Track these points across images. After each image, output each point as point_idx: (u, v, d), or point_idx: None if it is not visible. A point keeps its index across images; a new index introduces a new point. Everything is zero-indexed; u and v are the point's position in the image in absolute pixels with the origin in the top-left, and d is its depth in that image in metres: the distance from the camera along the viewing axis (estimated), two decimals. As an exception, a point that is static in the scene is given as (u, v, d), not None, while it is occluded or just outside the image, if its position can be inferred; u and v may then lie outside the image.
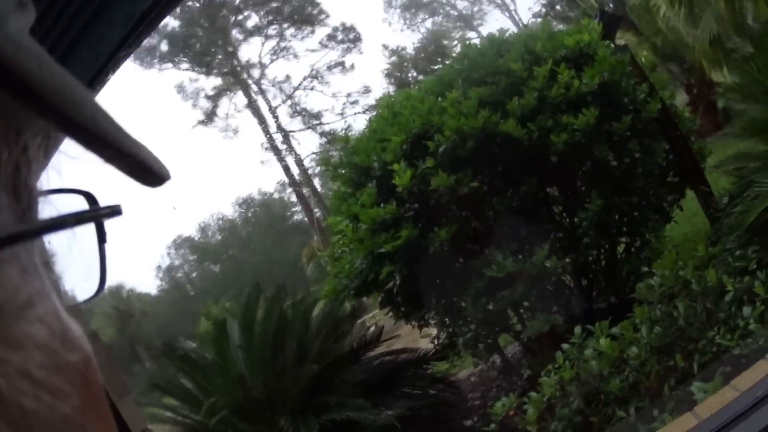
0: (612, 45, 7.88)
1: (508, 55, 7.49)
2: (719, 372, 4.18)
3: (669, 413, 4.34)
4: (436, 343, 8.36)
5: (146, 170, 0.47)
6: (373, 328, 8.75)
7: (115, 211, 0.59)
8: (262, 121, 28.64)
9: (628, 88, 7.44)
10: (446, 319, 7.87)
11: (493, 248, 6.96)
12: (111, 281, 28.56)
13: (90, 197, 0.60)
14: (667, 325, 5.11)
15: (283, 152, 28.45)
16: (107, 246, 0.62)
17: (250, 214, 34.31)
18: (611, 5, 15.81)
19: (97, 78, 2.05)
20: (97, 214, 0.60)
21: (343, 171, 8.01)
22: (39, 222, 0.45)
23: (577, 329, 5.51)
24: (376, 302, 8.87)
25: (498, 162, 7.18)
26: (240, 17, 30.59)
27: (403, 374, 8.18)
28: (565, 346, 5.48)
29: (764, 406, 2.40)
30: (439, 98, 7.52)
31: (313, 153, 29.07)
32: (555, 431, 5.06)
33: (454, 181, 6.78)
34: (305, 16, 31.92)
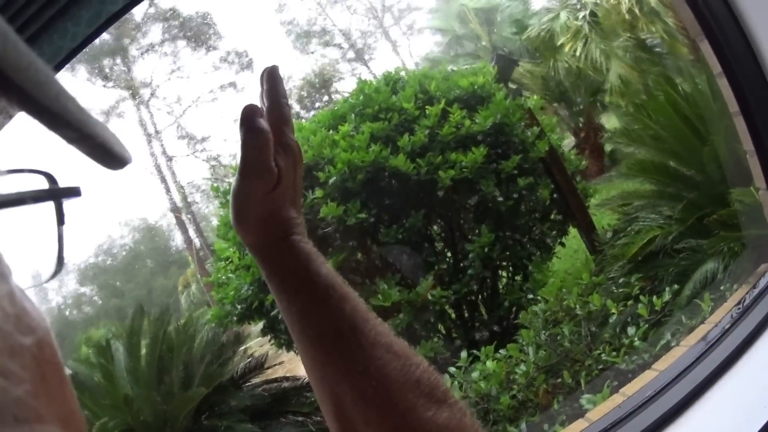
0: (505, 87, 8.18)
1: (402, 94, 7.65)
2: (607, 384, 4.41)
3: (560, 425, 4.53)
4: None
5: (108, 152, 0.49)
6: (255, 355, 8.75)
7: (73, 191, 0.63)
8: (149, 142, 28.13)
9: (519, 129, 7.67)
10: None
11: (379, 278, 7.09)
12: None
13: (50, 177, 0.62)
14: (552, 347, 5.37)
15: (167, 177, 28.01)
16: (65, 227, 0.63)
17: (131, 239, 33.53)
18: (505, 49, 16.21)
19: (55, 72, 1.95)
20: (55, 194, 0.62)
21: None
22: None
23: (464, 354, 5.66)
24: (256, 330, 8.83)
25: (386, 195, 7.30)
26: (139, 33, 29.90)
27: (288, 401, 8.24)
28: (452, 369, 5.60)
29: (652, 405, 2.49)
30: (331, 131, 7.65)
31: (198, 179, 28.81)
32: None
33: (342, 211, 6.87)
34: (202, 37, 31.55)
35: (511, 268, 8.13)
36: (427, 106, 7.52)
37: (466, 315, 7.92)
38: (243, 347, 8.88)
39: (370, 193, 7.19)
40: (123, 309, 27.89)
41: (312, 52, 33.82)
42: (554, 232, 8.26)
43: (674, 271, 5.91)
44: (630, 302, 5.50)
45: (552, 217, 8.27)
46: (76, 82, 28.17)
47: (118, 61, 28.83)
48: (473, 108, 7.62)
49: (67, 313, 32.76)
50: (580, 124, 17.78)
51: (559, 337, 5.43)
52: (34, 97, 0.38)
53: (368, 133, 7.29)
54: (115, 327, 9.49)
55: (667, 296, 5.26)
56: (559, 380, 5.11)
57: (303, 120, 9.69)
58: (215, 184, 9.41)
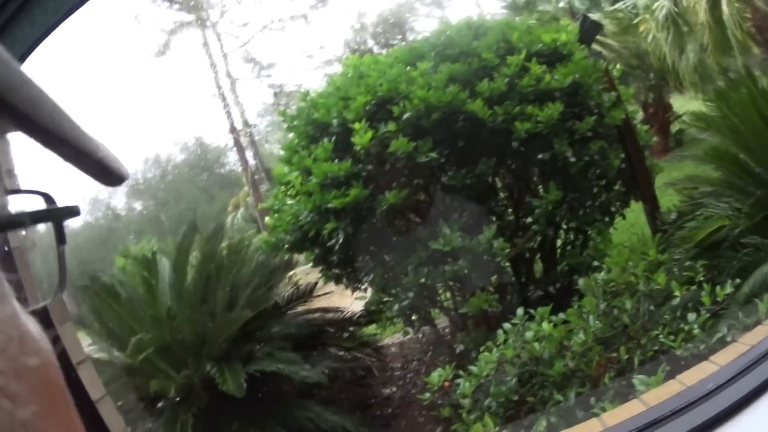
0: (587, 49, 7.96)
1: (484, 40, 7.43)
2: (661, 368, 4.22)
3: (609, 401, 4.38)
4: (367, 306, 8.24)
5: (104, 169, 0.49)
6: (302, 284, 8.62)
7: (72, 211, 0.61)
8: (212, 65, 27.98)
9: (596, 92, 7.55)
10: (383, 284, 7.69)
11: (442, 221, 6.89)
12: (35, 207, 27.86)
13: (48, 198, 0.61)
14: (611, 320, 5.19)
15: (229, 100, 27.93)
16: (64, 247, 0.62)
17: (185, 157, 33.69)
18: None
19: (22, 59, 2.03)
20: (54, 214, 0.60)
21: (299, 123, 7.82)
22: None
23: (520, 311, 5.47)
24: (303, 260, 8.71)
25: (459, 138, 7.09)
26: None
27: (330, 333, 8.16)
28: (506, 325, 5.43)
29: (713, 398, 2.46)
30: (408, 68, 7.44)
31: (261, 104, 28.82)
32: (489, 407, 5.02)
33: (413, 147, 6.72)
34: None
35: (572, 231, 8.03)
36: (507, 56, 7.31)
37: (523, 272, 7.77)
38: (291, 273, 8.71)
39: (442, 134, 7.01)
40: (170, 225, 28.14)
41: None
42: (618, 203, 8.08)
43: (737, 265, 5.71)
44: (693, 288, 5.26)
45: (616, 187, 8.07)
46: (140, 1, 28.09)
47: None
48: (553, 64, 7.44)
49: (113, 225, 33.18)
50: (650, 100, 17.54)
51: (616, 311, 5.26)
52: (29, 116, 0.38)
53: (447, 73, 7.09)
54: (160, 242, 9.39)
55: (729, 288, 5.02)
56: (614, 355, 4.98)
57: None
58: (282, 108, 9.26)
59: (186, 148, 33.72)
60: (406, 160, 6.82)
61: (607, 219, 7.93)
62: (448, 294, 7.71)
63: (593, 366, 4.90)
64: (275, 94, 28.75)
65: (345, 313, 8.42)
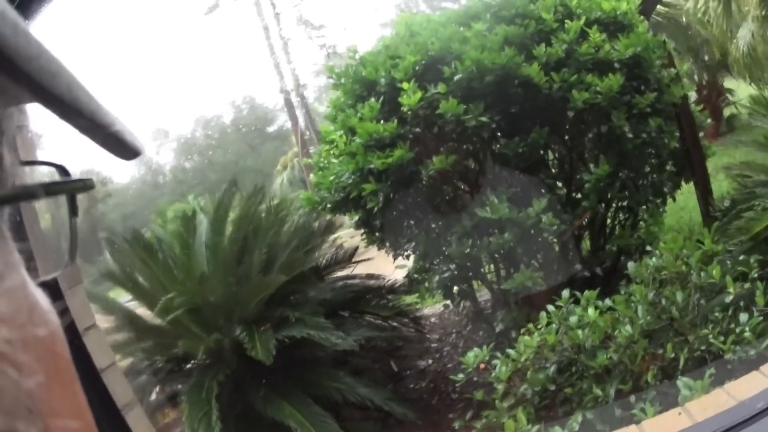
0: (647, 21, 7.70)
1: (542, 2, 7.15)
2: (708, 373, 4.02)
3: (650, 403, 4.14)
4: (408, 275, 8.05)
5: (120, 142, 0.49)
6: (344, 246, 8.43)
7: (87, 185, 0.61)
8: (264, 24, 27.96)
9: (656, 67, 7.24)
10: (425, 253, 7.55)
11: (490, 191, 6.68)
12: (82, 164, 28.19)
13: (63, 170, 0.61)
14: (658, 311, 4.93)
15: (280, 59, 27.93)
16: (77, 219, 0.63)
17: (234, 115, 33.95)
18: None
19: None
20: (68, 187, 0.60)
21: (346, 81, 7.62)
22: (8, 190, 0.42)
23: (565, 293, 5.24)
24: (346, 222, 8.60)
25: (512, 104, 6.86)
26: None
27: (368, 300, 8.00)
28: (550, 307, 5.20)
29: (764, 419, 2.37)
30: (462, 28, 7.16)
31: (313, 65, 28.82)
32: (524, 394, 4.84)
33: (463, 110, 6.46)
34: None
35: (623, 210, 7.77)
36: (566, 21, 7.03)
37: (570, 250, 7.47)
38: (333, 236, 8.53)
39: (495, 98, 6.73)
40: (217, 183, 28.36)
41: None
42: (670, 183, 7.80)
43: None
44: (746, 285, 4.85)
45: (667, 168, 7.80)
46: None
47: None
48: (612, 34, 7.17)
49: (160, 179, 33.61)
50: (704, 81, 17.06)
51: (664, 301, 4.96)
52: (46, 87, 0.37)
53: (502, 35, 6.81)
54: (204, 200, 9.25)
55: None
56: (660, 351, 4.70)
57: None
58: (330, 64, 9.07)
59: (236, 107, 33.97)
60: (455, 124, 6.57)
61: (659, 200, 7.70)
62: (492, 267, 7.52)
63: (637, 361, 4.65)
64: (328, 55, 28.66)
65: (385, 280, 8.27)
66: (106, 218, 29.58)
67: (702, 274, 4.93)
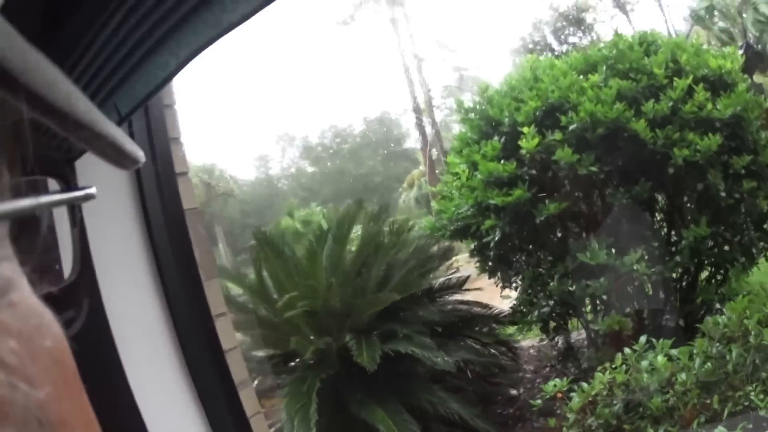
0: (750, 79, 8.07)
1: (654, 58, 7.71)
2: (741, 426, 4.65)
3: None
4: (513, 306, 8.78)
5: (119, 151, 0.50)
6: (459, 271, 9.30)
7: (88, 196, 0.64)
8: (399, 42, 29.00)
9: (754, 127, 7.66)
10: (529, 288, 8.31)
11: (593, 236, 7.36)
12: (206, 160, 29.58)
13: (65, 182, 0.64)
14: (718, 365, 5.48)
15: (413, 77, 28.81)
16: (82, 230, 0.66)
17: (365, 129, 34.70)
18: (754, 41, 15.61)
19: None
20: (70, 199, 0.63)
21: (474, 116, 8.42)
22: (10, 204, 0.45)
23: (642, 339, 5.89)
24: (462, 248, 9.28)
25: (620, 156, 7.46)
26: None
27: (471, 326, 8.73)
28: (627, 351, 5.86)
29: None
30: (581, 76, 7.85)
31: (444, 86, 29.52)
32: (590, 426, 5.54)
33: (576, 159, 7.15)
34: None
35: (713, 266, 8.14)
36: (675, 77, 7.56)
37: (662, 299, 8.00)
38: (449, 262, 9.38)
39: (605, 149, 7.40)
40: (340, 192, 29.34)
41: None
42: (762, 243, 8.14)
43: None
44: None
45: (765, 226, 8.15)
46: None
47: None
48: (716, 91, 7.58)
49: (281, 184, 34.79)
50: None
51: (727, 357, 5.49)
52: (44, 98, 0.40)
53: (615, 89, 7.44)
54: (325, 209, 10.14)
55: None
56: (708, 401, 5.28)
57: (555, 53, 9.91)
58: (460, 98, 9.89)
59: (367, 121, 34.84)
60: (569, 170, 7.29)
61: (746, 260, 7.99)
62: (589, 308, 8.13)
63: (688, 408, 5.28)
64: (461, 78, 29.41)
65: (492, 309, 8.96)
66: (225, 214, 30.83)
67: (756, 335, 5.45)
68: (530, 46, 30.84)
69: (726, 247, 7.82)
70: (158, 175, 3.14)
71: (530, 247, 8.19)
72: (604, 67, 7.93)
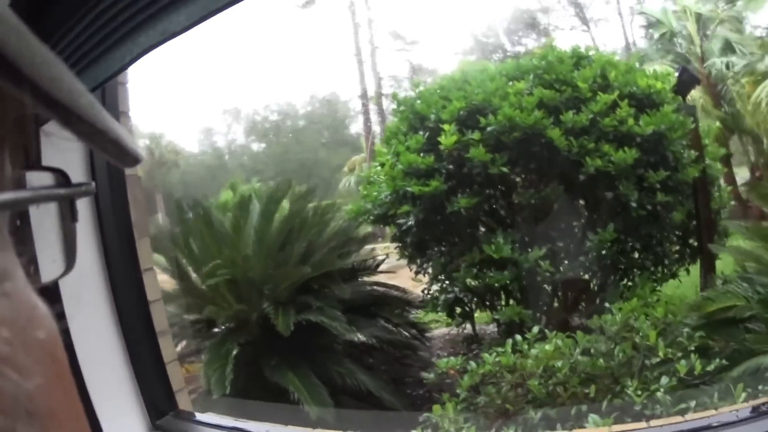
0: (683, 101, 8.70)
1: (581, 72, 8.29)
2: (614, 416, 5.32)
3: (563, 428, 5.45)
4: (424, 292, 9.39)
5: (120, 148, 0.51)
6: (381, 258, 9.93)
7: (87, 190, 0.67)
8: (355, 27, 29.39)
9: (676, 146, 8.25)
10: (436, 275, 8.95)
11: (500, 231, 7.98)
12: (154, 128, 29.70)
13: (63, 175, 0.63)
14: (604, 360, 6.10)
15: (366, 65, 29.28)
16: (77, 224, 0.64)
17: (313, 110, 34.87)
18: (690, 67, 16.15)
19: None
20: (68, 192, 0.64)
21: (405, 110, 9.01)
22: (7, 196, 0.45)
23: (535, 329, 6.51)
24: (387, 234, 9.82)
25: (534, 160, 8.07)
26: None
27: (384, 307, 9.32)
28: (518, 337, 6.49)
29: None
30: (510, 82, 8.43)
31: (393, 76, 29.94)
32: (478, 403, 6.09)
33: (489, 159, 7.75)
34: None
35: (621, 272, 8.62)
36: (600, 93, 8.10)
37: (563, 296, 8.60)
38: (372, 246, 9.94)
39: (519, 152, 7.98)
40: (283, 172, 29.63)
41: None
42: (676, 256, 8.74)
43: (733, 348, 6.19)
44: (679, 354, 5.89)
45: (679, 241, 8.76)
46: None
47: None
48: (642, 109, 8.12)
49: (226, 158, 34.94)
50: (759, 164, 17.72)
51: (613, 353, 6.12)
52: (47, 92, 0.40)
53: (538, 97, 8.02)
54: (264, 186, 10.57)
55: (712, 366, 5.70)
56: (587, 391, 5.89)
57: (506, 54, 10.38)
58: (396, 92, 10.42)
59: (315, 101, 35.09)
60: (481, 169, 7.87)
61: (658, 270, 8.61)
62: (495, 299, 8.69)
63: (567, 395, 5.89)
64: (413, 70, 29.92)
65: (408, 294, 9.59)
66: (167, 183, 30.91)
67: (641, 337, 6.09)
68: (482, 45, 31.46)
69: (634, 256, 8.43)
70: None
71: (442, 236, 8.75)
72: (532, 76, 8.50)
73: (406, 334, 9.38)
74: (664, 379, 5.59)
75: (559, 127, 7.87)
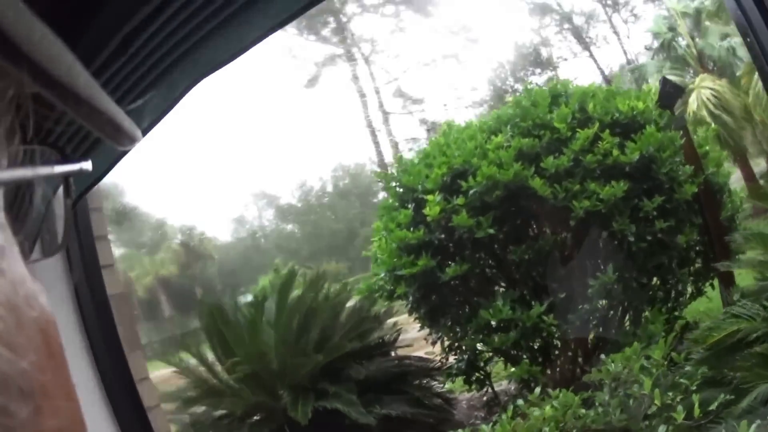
0: (671, 114, 8.56)
1: (558, 112, 8.16)
2: None
3: None
4: (441, 361, 9.45)
5: (117, 128, 0.52)
6: (403, 328, 10.18)
7: (83, 169, 0.69)
8: (362, 96, 29.81)
9: (669, 166, 8.01)
10: (448, 344, 9.05)
11: (498, 292, 8.09)
12: (185, 221, 30.18)
13: (60, 153, 0.65)
14: (603, 413, 5.86)
15: (378, 132, 29.63)
16: (72, 202, 0.67)
17: (339, 184, 35.18)
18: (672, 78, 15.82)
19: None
20: (64, 171, 0.66)
21: (392, 185, 9.12)
22: (8, 173, 0.46)
23: (537, 390, 6.38)
24: None
25: (520, 214, 8.11)
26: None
27: (406, 380, 9.45)
28: (519, 402, 6.40)
29: None
30: (492, 137, 8.41)
31: (410, 139, 30.15)
32: None
33: (474, 223, 7.76)
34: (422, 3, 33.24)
35: (630, 310, 8.39)
36: (579, 129, 7.97)
37: (572, 346, 8.44)
38: (395, 320, 10.12)
39: (505, 209, 7.99)
40: (320, 249, 29.90)
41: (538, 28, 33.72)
42: (691, 278, 8.49)
43: (741, 377, 5.55)
44: (679, 397, 5.49)
45: (698, 258, 8.54)
46: (284, 35, 29.97)
47: (331, 19, 30.66)
48: (628, 134, 8.08)
49: (261, 242, 35.33)
50: None
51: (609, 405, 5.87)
52: (46, 70, 0.41)
53: (516, 148, 7.98)
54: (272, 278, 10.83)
55: (716, 403, 5.23)
56: None
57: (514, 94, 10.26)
58: (380, 172, 10.51)
59: (340, 175, 35.43)
60: (469, 235, 7.88)
61: (670, 299, 8.39)
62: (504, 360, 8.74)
63: None
64: (427, 130, 30.15)
65: (432, 363, 9.71)
66: (205, 275, 31.28)
67: (636, 386, 5.80)
68: (493, 90, 31.75)
69: (642, 292, 8.21)
70: (86, 267, 3.83)
71: (444, 307, 8.74)
72: (508, 127, 8.47)
73: (429, 404, 9.36)
74: (661, 429, 5.25)
75: (542, 175, 7.82)
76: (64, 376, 0.44)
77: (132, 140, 0.57)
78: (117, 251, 24.66)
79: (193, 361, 9.33)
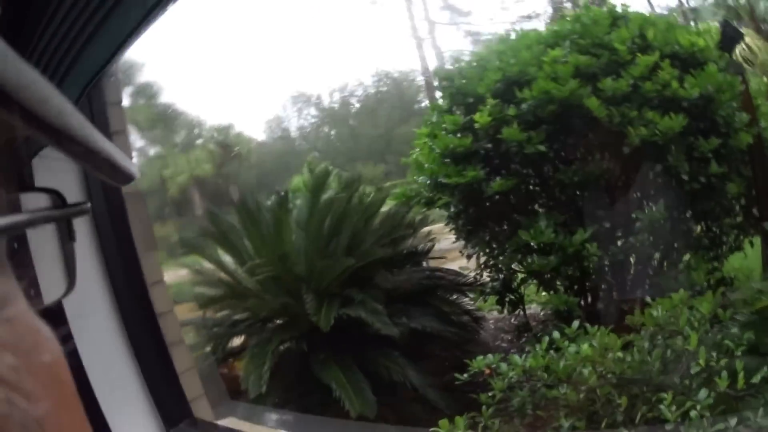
0: (730, 57, 8.12)
1: (617, 33, 7.74)
2: None
3: None
4: (475, 278, 9.17)
5: (114, 167, 0.52)
6: (430, 243, 9.80)
7: (82, 210, 0.67)
8: (409, 6, 29.24)
9: (727, 110, 7.57)
10: (484, 260, 8.78)
11: (542, 214, 7.71)
12: (222, 120, 29.95)
13: (59, 197, 0.64)
14: (638, 361, 5.29)
15: (424, 41, 29.09)
16: (75, 245, 0.66)
17: (380, 90, 34.71)
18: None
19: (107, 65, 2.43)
20: (64, 214, 0.65)
21: (448, 86, 8.71)
22: (8, 219, 0.46)
23: (575, 324, 5.64)
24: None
25: (573, 134, 7.73)
26: None
27: (439, 294, 9.24)
28: (555, 334, 5.71)
29: None
30: (549, 49, 7.97)
31: (456, 50, 29.59)
32: (512, 407, 5.51)
33: (525, 138, 7.44)
34: None
35: (673, 254, 8.00)
36: (639, 54, 7.52)
37: (609, 280, 8.07)
38: (429, 228, 9.84)
39: (557, 126, 7.62)
40: (358, 153, 29.65)
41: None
42: (735, 231, 8.13)
43: None
44: (723, 360, 4.89)
45: (742, 210, 8.14)
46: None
47: None
48: (686, 70, 7.56)
49: (297, 144, 35.09)
50: None
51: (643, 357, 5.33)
52: (37, 114, 0.40)
53: (573, 65, 7.56)
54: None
55: (759, 376, 4.74)
56: (618, 402, 5.08)
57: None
58: (440, 69, 10.20)
59: (381, 80, 34.89)
60: (517, 149, 7.55)
61: (712, 249, 7.96)
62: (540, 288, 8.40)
63: (600, 404, 5.19)
64: (473, 42, 29.57)
65: (462, 277, 9.39)
66: (241, 175, 31.18)
67: (680, 339, 5.26)
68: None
69: (688, 235, 7.94)
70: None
71: (484, 222, 8.51)
72: (567, 42, 8.02)
73: (457, 321, 9.14)
74: (702, 393, 4.66)
75: (599, 96, 7.38)
76: (80, 419, 0.46)
77: (129, 178, 0.57)
78: (151, 150, 25.58)
79: (227, 258, 9.20)
